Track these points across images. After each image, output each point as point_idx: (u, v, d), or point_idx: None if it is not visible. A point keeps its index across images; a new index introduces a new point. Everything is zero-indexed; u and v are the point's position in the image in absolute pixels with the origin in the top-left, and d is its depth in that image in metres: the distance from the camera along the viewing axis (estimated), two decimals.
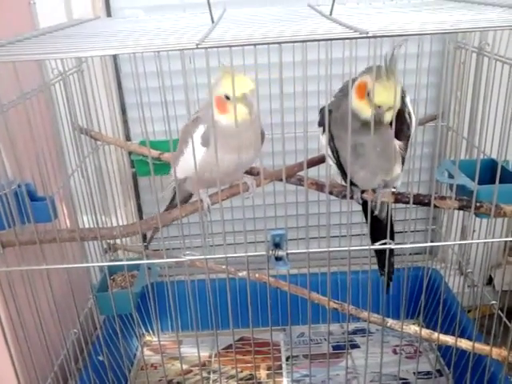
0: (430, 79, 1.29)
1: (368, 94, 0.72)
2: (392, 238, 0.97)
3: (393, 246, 0.69)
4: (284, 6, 1.15)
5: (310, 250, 0.67)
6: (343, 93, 0.80)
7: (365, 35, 0.59)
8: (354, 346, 1.33)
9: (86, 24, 0.97)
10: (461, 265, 1.41)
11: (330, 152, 0.81)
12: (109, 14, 1.26)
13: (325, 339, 1.36)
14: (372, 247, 0.69)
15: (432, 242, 1.48)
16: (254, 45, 0.57)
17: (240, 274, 1.06)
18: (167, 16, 1.03)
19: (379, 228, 0.91)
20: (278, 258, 0.65)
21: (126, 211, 1.37)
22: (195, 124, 0.86)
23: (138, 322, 1.38)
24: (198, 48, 0.57)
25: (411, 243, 0.76)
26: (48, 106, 0.99)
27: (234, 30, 0.70)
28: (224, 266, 1.07)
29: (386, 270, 1.03)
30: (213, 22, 0.80)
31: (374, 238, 0.96)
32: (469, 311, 1.30)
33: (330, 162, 0.83)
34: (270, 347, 1.27)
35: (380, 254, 0.98)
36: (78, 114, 1.11)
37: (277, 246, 0.65)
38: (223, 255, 0.71)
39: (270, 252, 0.65)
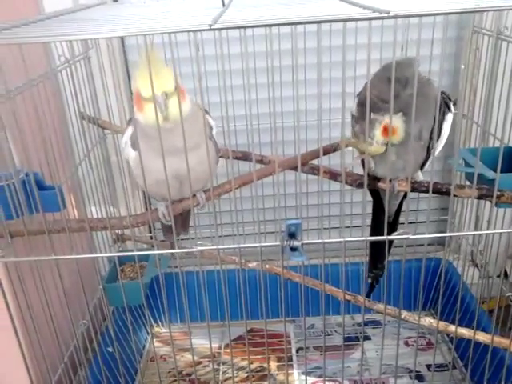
0: (444, 66, 1.26)
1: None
2: (394, 231, 0.96)
3: (412, 236, 0.66)
4: None
5: (326, 241, 0.65)
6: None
7: (385, 15, 0.57)
8: (366, 338, 1.31)
9: (93, 9, 0.94)
10: (474, 256, 1.39)
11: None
12: (115, 0, 1.23)
13: (335, 331, 1.34)
14: (390, 237, 0.66)
15: (445, 232, 1.46)
16: (269, 25, 0.55)
17: (250, 265, 1.05)
18: (175, 0, 1.00)
19: (382, 222, 0.89)
20: (292, 249, 0.63)
21: (134, 201, 1.35)
22: (128, 124, 0.79)
23: (147, 313, 1.37)
24: (211, 29, 0.54)
25: (428, 233, 0.74)
26: (54, 93, 0.97)
27: (247, 13, 0.68)
28: (234, 257, 1.05)
29: (377, 270, 1.02)
30: (224, 5, 0.77)
31: (374, 232, 0.95)
32: (482, 302, 1.28)
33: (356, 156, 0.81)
34: (284, 338, 1.25)
35: (377, 250, 0.96)
36: (85, 103, 1.09)
37: (292, 236, 0.63)
38: (236, 245, 0.69)
39: (285, 242, 0.63)
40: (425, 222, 1.40)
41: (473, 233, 1.20)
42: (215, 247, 0.68)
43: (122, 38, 1.25)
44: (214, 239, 1.29)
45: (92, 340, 1.01)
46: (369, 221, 0.97)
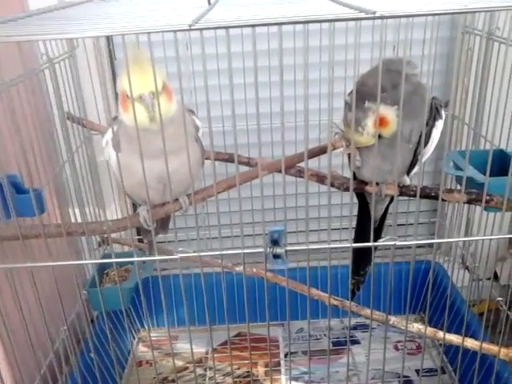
0: (435, 66, 1.25)
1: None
2: (379, 237, 0.94)
3: (399, 243, 0.65)
4: None
5: (311, 247, 0.63)
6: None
7: (371, 15, 0.55)
8: (355, 342, 1.30)
9: (78, 6, 0.92)
10: (464, 259, 1.38)
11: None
12: None
13: (324, 335, 1.32)
14: (376, 244, 0.65)
15: (434, 234, 1.45)
16: (253, 26, 0.53)
17: (237, 269, 1.03)
18: None
19: (367, 226, 0.88)
20: (276, 256, 0.61)
21: (120, 204, 1.33)
22: (110, 124, 0.77)
23: (133, 317, 1.35)
24: (191, 29, 0.52)
25: (417, 238, 0.72)
26: (36, 93, 0.94)
27: (232, 12, 0.66)
28: (220, 261, 1.03)
29: (359, 277, 1.00)
30: (209, 3, 0.75)
31: (358, 237, 0.93)
32: (472, 305, 1.27)
33: (340, 149, 0.79)
34: (267, 343, 1.23)
35: (360, 256, 0.94)
36: (70, 103, 1.07)
37: (275, 242, 0.61)
38: (218, 252, 0.67)
39: (268, 249, 0.61)
40: (413, 224, 1.40)
41: (462, 239, 1.19)
42: (196, 254, 0.66)
43: (108, 37, 1.22)
44: (200, 242, 1.28)
45: (75, 347, 0.98)
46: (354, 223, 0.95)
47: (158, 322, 1.39)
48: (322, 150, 0.89)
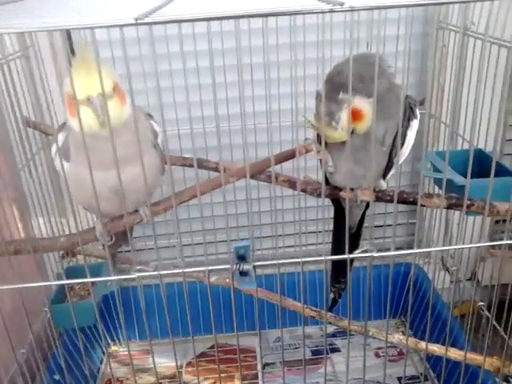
0: (410, 64, 1.21)
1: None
2: (356, 247, 0.89)
3: (376, 255, 0.60)
4: None
5: (281, 261, 0.58)
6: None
7: (339, 8, 0.50)
8: (334, 350, 1.25)
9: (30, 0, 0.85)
10: (444, 260, 1.34)
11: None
12: None
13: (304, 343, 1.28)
14: (352, 256, 0.60)
15: (413, 235, 1.42)
16: (207, 19, 0.47)
17: (205, 281, 0.96)
18: None
19: (344, 233, 0.83)
20: (243, 273, 0.56)
21: (85, 212, 1.25)
22: (57, 132, 0.70)
23: (103, 332, 1.28)
24: (137, 24, 0.46)
25: (395, 242, 0.68)
26: None
27: (193, 6, 0.60)
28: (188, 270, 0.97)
29: (340, 284, 0.95)
30: None
31: (336, 246, 0.88)
32: (454, 307, 1.24)
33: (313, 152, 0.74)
34: (243, 354, 1.17)
35: (339, 263, 0.89)
36: (24, 106, 0.99)
37: (242, 258, 0.55)
38: (180, 270, 0.61)
39: (234, 266, 0.55)
40: (390, 225, 1.37)
41: (441, 248, 1.15)
42: (156, 272, 0.60)
43: (67, 34, 1.15)
44: (167, 251, 1.21)
45: (39, 368, 0.91)
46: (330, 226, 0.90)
47: (129, 336, 1.32)
48: (292, 154, 0.85)
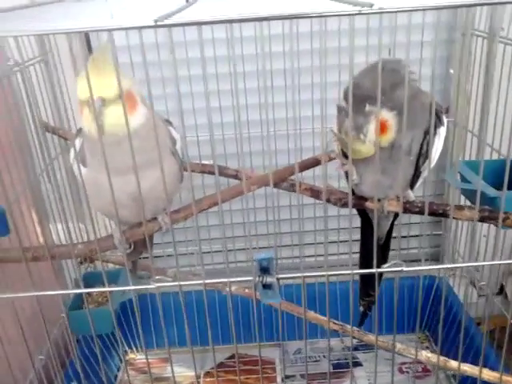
0: (435, 70, 1.18)
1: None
2: (385, 259, 0.86)
3: (406, 269, 0.57)
4: None
5: (306, 274, 0.56)
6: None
7: (368, 10, 0.47)
8: (356, 364, 1.21)
9: (50, 6, 0.84)
10: (471, 276, 1.29)
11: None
12: None
13: (324, 356, 1.24)
14: (381, 270, 0.57)
15: (438, 247, 1.38)
16: (229, 22, 0.45)
17: (228, 290, 0.94)
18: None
19: (370, 247, 0.80)
20: (266, 286, 0.53)
21: (103, 217, 1.25)
22: (75, 136, 0.69)
23: (120, 339, 1.27)
24: (157, 26, 0.45)
25: (420, 251, 0.65)
26: (8, 99, 0.86)
27: (211, 9, 0.59)
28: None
29: (370, 298, 0.92)
30: (187, 1, 0.68)
31: (364, 258, 0.85)
32: (478, 323, 1.19)
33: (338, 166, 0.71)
34: (259, 366, 1.14)
35: (369, 276, 0.86)
36: (43, 111, 0.99)
37: (265, 270, 0.53)
38: (200, 281, 0.59)
39: (257, 279, 0.53)
40: (418, 235, 1.33)
41: (469, 264, 1.11)
42: (176, 283, 0.58)
43: (86, 40, 1.15)
44: (187, 257, 1.19)
45: (56, 375, 0.90)
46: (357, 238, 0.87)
47: (148, 343, 1.31)
48: (315, 162, 0.82)
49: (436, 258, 1.42)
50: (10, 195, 0.68)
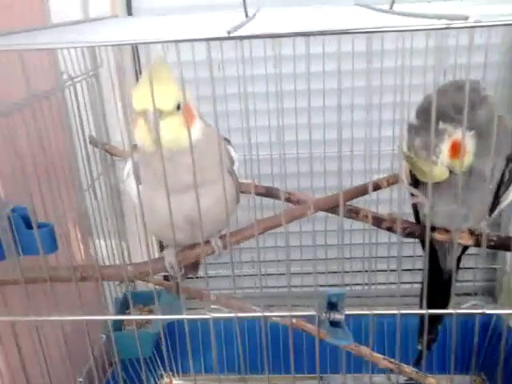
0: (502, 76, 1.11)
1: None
2: (448, 296, 0.79)
3: (488, 311, 0.51)
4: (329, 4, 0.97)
5: (375, 312, 0.50)
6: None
7: (460, 23, 0.43)
8: None
9: (103, 21, 0.84)
10: None
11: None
12: (130, 14, 1.13)
13: None
14: (459, 311, 0.51)
15: (492, 281, 1.29)
16: (296, 35, 0.42)
17: (274, 319, 0.89)
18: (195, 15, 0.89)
19: (437, 281, 0.74)
20: (332, 323, 0.48)
21: (146, 236, 1.22)
22: (130, 151, 0.64)
23: (155, 361, 1.23)
24: (229, 38, 0.41)
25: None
26: (58, 114, 0.85)
27: (272, 23, 0.55)
28: (255, 308, 0.90)
29: (430, 335, 0.85)
30: (246, 16, 0.65)
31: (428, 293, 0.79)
32: None
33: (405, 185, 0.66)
34: None
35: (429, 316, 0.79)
36: (92, 126, 0.98)
37: (332, 306, 0.47)
38: (259, 313, 0.54)
39: (323, 315, 0.48)
40: (472, 268, 1.24)
41: None
42: (232, 315, 0.54)
43: (134, 55, 1.14)
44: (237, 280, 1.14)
45: None
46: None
47: (184, 368, 1.26)
48: (374, 187, 0.77)
49: (489, 293, 1.33)
50: (59, 211, 0.65)
